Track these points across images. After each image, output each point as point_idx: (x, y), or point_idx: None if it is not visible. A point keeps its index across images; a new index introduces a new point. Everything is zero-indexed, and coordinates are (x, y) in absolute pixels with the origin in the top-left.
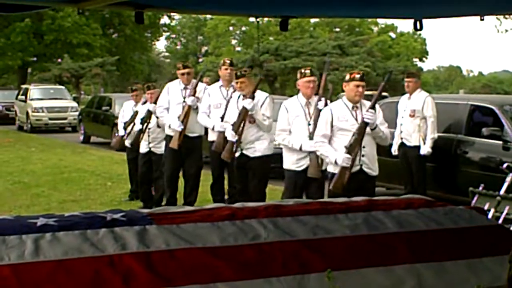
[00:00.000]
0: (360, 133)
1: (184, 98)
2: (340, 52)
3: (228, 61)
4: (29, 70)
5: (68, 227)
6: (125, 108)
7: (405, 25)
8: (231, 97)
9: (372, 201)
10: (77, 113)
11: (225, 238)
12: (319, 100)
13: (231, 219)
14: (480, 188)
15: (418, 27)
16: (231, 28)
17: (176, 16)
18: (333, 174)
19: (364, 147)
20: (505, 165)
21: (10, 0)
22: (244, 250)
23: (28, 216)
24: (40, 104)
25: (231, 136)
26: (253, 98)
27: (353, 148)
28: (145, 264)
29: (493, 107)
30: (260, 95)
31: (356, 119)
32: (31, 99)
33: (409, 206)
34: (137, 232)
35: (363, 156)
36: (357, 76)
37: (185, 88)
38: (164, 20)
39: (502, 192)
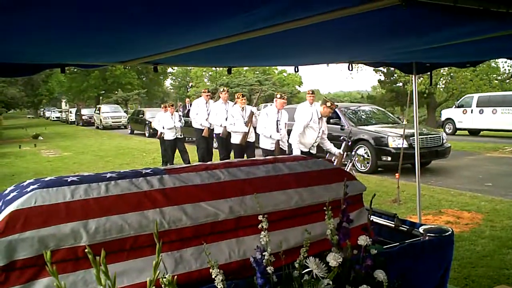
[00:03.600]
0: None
1: (208, 109)
2: (258, 84)
3: (226, 89)
4: (101, 97)
5: (123, 177)
6: (159, 117)
7: (290, 68)
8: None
9: (277, 158)
10: (126, 119)
11: (203, 180)
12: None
13: (206, 170)
14: None
15: (297, 70)
16: (204, 72)
17: (175, 67)
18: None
19: (316, 141)
20: (341, 138)
21: (88, 62)
22: (212, 186)
23: (102, 173)
24: (107, 114)
25: (245, 128)
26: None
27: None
28: (162, 195)
29: (335, 109)
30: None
31: (318, 124)
32: (102, 112)
33: (295, 160)
34: (158, 178)
35: (315, 145)
36: (333, 107)
37: (207, 103)
38: (169, 69)
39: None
